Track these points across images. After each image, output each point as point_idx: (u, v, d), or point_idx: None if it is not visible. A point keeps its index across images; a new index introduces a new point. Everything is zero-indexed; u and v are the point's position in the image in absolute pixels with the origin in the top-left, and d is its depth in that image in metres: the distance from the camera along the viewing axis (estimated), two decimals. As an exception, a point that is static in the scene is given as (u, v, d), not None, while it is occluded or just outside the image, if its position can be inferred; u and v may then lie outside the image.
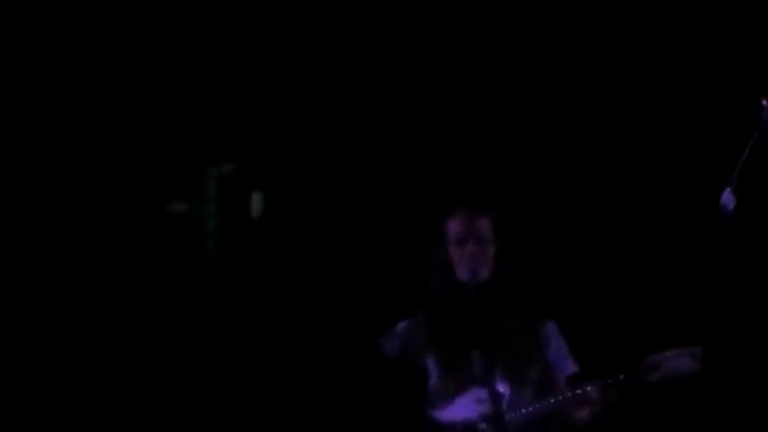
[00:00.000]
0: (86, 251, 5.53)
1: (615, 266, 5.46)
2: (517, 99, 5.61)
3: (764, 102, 3.41)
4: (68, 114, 5.58)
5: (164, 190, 5.72)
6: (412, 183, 5.63)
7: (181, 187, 5.73)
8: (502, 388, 3.84)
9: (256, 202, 5.74)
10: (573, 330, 4.15)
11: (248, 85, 5.68)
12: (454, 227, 4.00)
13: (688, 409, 5.08)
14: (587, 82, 5.57)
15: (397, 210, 5.60)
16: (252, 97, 5.69)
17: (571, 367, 4.02)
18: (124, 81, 5.58)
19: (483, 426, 3.78)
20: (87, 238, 5.54)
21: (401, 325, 4.09)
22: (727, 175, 3.37)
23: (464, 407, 3.83)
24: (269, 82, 5.68)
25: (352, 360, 4.54)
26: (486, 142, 5.61)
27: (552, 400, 3.82)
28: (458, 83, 5.64)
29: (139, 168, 5.64)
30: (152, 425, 5.39)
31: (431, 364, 3.97)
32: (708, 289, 5.06)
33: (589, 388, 3.79)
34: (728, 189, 3.43)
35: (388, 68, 5.64)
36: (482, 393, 3.80)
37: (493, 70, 5.61)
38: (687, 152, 5.41)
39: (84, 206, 5.56)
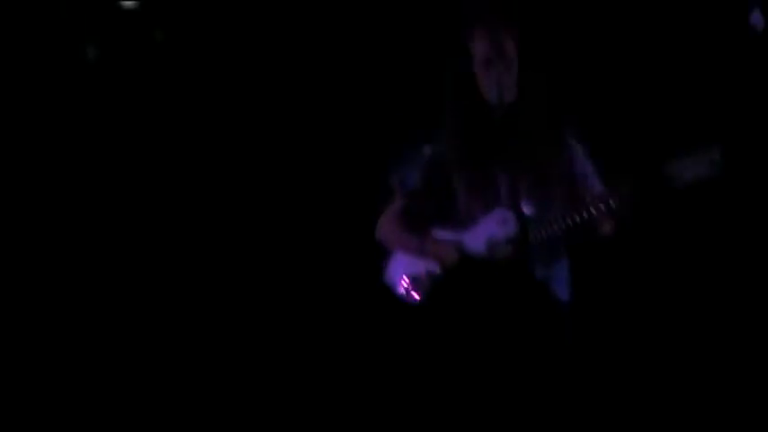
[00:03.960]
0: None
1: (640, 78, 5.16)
2: None
3: None
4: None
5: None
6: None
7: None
8: (527, 208, 3.75)
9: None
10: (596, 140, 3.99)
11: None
12: (480, 47, 3.81)
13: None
14: None
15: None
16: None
17: (595, 183, 3.88)
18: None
19: (507, 247, 3.72)
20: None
21: (426, 147, 3.95)
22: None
23: (489, 228, 3.77)
24: None
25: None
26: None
27: (574, 216, 3.67)
28: None
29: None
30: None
31: (458, 186, 3.87)
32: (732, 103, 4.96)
33: (609, 199, 3.62)
34: (756, 10, 3.43)
35: None
36: (507, 214, 3.75)
37: None
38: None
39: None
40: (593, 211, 3.61)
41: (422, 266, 3.89)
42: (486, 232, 3.78)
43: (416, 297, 3.89)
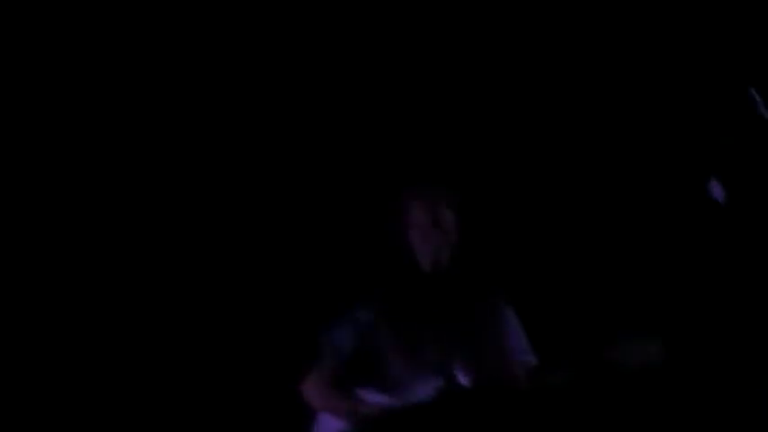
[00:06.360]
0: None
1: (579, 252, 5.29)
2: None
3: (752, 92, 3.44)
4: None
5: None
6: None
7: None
8: (460, 377, 3.81)
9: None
10: (532, 319, 4.08)
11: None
12: (417, 215, 3.93)
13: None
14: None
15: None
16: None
17: (529, 358, 3.95)
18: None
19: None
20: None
21: (358, 311, 3.98)
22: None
23: (420, 394, 3.80)
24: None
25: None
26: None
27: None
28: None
29: None
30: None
31: (389, 352, 3.92)
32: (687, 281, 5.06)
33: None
34: (714, 181, 3.45)
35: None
36: (440, 382, 3.78)
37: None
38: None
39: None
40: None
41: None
42: (418, 398, 3.81)
43: None
